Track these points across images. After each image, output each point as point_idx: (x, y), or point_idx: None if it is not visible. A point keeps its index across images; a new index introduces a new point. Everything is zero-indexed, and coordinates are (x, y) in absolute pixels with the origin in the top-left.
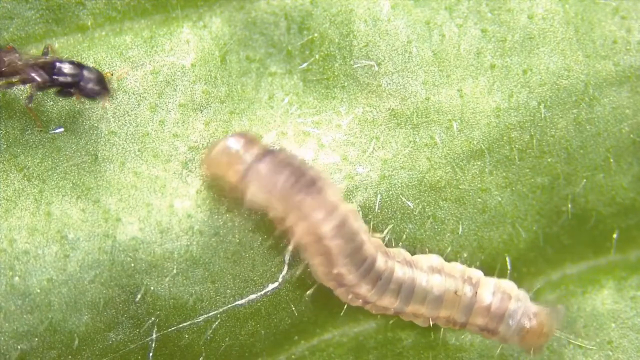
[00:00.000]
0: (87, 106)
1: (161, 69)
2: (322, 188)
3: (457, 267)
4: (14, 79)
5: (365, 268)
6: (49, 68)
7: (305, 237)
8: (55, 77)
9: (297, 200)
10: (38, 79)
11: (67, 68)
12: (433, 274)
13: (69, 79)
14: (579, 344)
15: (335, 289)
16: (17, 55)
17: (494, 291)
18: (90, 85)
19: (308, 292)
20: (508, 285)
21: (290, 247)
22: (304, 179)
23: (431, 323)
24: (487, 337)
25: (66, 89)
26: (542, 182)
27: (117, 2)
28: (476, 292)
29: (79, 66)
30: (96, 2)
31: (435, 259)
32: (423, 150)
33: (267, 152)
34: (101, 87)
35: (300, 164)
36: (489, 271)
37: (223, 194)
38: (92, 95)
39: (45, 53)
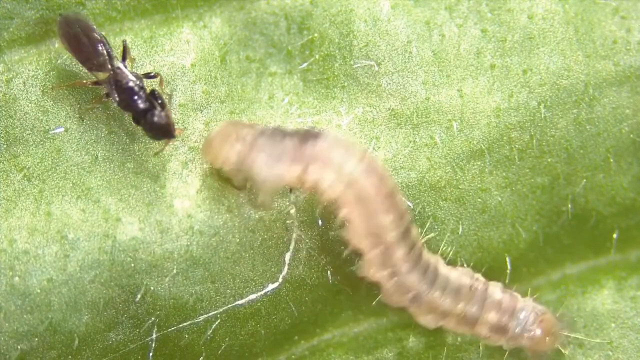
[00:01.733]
0: (87, 106)
1: (161, 69)
2: (330, 134)
3: (464, 270)
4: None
5: (404, 226)
6: (121, 84)
7: (335, 188)
8: (125, 95)
9: (311, 151)
10: (106, 88)
11: (137, 90)
12: (450, 269)
13: (134, 99)
14: (579, 336)
15: (369, 251)
16: (112, 57)
17: (503, 291)
18: (155, 119)
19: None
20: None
21: (291, 247)
22: (308, 134)
23: (439, 324)
24: (496, 340)
25: (135, 114)
26: (542, 182)
27: (117, 2)
28: (487, 289)
29: (155, 98)
30: (96, 2)
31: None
32: (423, 150)
33: (263, 129)
34: (166, 124)
35: (297, 130)
36: (489, 271)
37: (226, 185)
38: (155, 129)
39: (150, 76)
